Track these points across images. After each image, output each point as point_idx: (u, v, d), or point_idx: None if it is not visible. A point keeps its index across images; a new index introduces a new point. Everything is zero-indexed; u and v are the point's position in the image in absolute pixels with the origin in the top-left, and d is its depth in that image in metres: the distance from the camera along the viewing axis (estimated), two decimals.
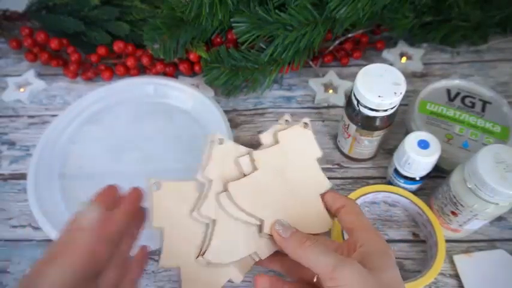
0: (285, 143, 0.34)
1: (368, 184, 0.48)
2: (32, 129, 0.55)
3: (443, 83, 0.49)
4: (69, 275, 0.21)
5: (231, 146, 0.34)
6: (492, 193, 0.34)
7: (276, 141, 0.35)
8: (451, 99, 0.48)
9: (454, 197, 0.38)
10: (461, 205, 0.38)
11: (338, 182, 0.48)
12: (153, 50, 0.52)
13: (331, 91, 0.56)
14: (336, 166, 0.50)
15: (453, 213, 0.40)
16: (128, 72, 0.58)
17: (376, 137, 0.44)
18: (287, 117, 0.36)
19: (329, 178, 0.48)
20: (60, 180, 0.49)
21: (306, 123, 0.36)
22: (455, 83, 0.49)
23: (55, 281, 0.21)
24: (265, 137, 0.35)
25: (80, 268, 0.22)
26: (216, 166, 0.32)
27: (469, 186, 0.36)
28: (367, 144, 0.46)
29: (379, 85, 0.40)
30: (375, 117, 0.42)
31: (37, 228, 0.46)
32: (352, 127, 0.44)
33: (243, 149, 0.34)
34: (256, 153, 0.33)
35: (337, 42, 0.57)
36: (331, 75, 0.57)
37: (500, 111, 0.47)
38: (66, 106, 0.54)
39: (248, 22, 0.48)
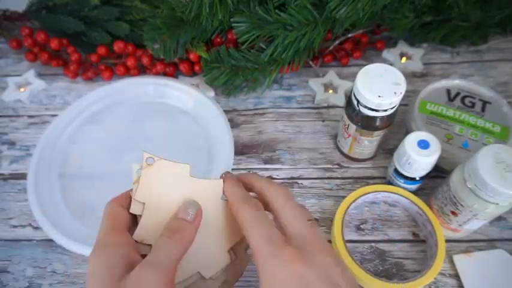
0: (152, 199, 0.29)
1: (368, 184, 0.48)
2: (32, 129, 0.55)
3: (443, 83, 0.49)
4: (179, 255, 0.26)
5: (163, 164, 0.30)
6: (492, 193, 0.34)
7: (143, 203, 0.30)
8: (451, 99, 0.48)
9: (454, 197, 0.38)
10: (461, 205, 0.38)
11: (338, 182, 0.48)
12: (153, 50, 0.52)
13: (331, 91, 0.56)
14: (336, 166, 0.50)
15: (453, 213, 0.40)
16: (128, 72, 0.58)
17: (376, 137, 0.44)
18: (136, 166, 0.30)
19: (329, 178, 0.49)
20: (60, 180, 0.49)
21: (148, 158, 0.30)
22: (455, 83, 0.49)
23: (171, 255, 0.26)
24: (135, 209, 0.29)
25: (183, 253, 0.27)
26: (145, 189, 0.29)
27: (469, 186, 0.36)
28: (367, 144, 0.46)
29: (379, 85, 0.40)
30: (374, 117, 0.42)
31: (37, 228, 0.46)
32: (352, 127, 0.44)
33: (178, 167, 0.30)
34: (137, 235, 0.29)
35: (337, 42, 0.57)
36: (331, 75, 0.57)
37: (500, 111, 0.47)
38: (66, 106, 0.54)
39: (248, 22, 0.48)
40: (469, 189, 0.36)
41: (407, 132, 0.45)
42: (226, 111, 0.52)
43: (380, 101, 0.39)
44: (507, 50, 0.59)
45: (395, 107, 0.41)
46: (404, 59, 0.58)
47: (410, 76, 0.57)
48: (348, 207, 0.44)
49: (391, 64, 0.57)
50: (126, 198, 0.30)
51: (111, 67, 0.58)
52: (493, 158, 0.35)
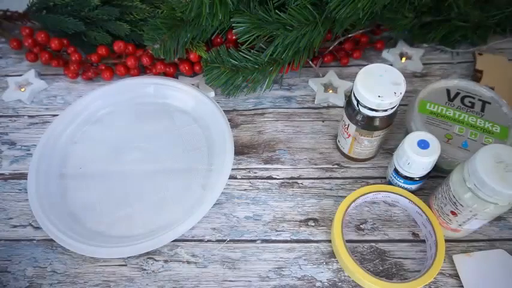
0: None
1: (368, 184, 0.48)
2: (33, 129, 0.55)
3: (443, 83, 0.49)
4: None
5: None
6: (491, 193, 0.34)
7: None
8: (450, 99, 0.48)
9: (454, 197, 0.38)
10: (460, 205, 0.38)
11: (338, 182, 0.49)
12: (154, 50, 0.53)
13: (331, 91, 0.56)
14: (336, 166, 0.50)
15: (453, 213, 0.40)
16: (128, 72, 0.58)
17: (376, 137, 0.44)
18: None
19: (329, 178, 0.49)
20: (60, 180, 0.49)
21: None
22: (454, 83, 0.49)
23: None
24: None
25: None
26: None
27: (469, 186, 0.36)
28: (367, 144, 0.46)
29: (379, 85, 0.40)
30: (374, 117, 0.42)
31: (37, 228, 0.46)
32: (352, 127, 0.44)
33: None
34: None
35: (337, 42, 0.57)
36: (331, 75, 0.57)
37: (499, 111, 0.47)
38: (67, 106, 0.54)
39: (248, 22, 0.48)
40: (469, 189, 0.36)
41: (407, 132, 0.45)
42: (226, 111, 0.52)
43: (380, 101, 0.39)
44: (507, 50, 0.59)
45: (395, 107, 0.41)
46: (404, 59, 0.58)
47: (410, 76, 0.57)
48: (348, 207, 0.44)
49: (391, 64, 0.58)
50: None
51: (112, 67, 0.58)
52: (493, 158, 0.35)
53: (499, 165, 0.34)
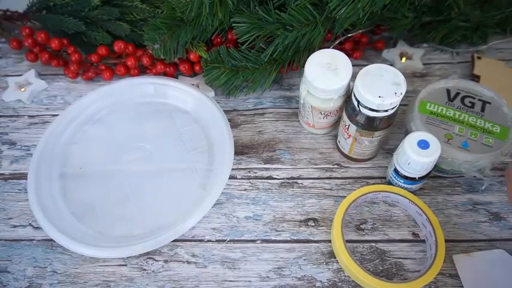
0: None
1: (368, 184, 0.48)
2: (33, 129, 0.55)
3: (443, 83, 0.49)
4: None
5: None
6: (310, 86, 0.44)
7: None
8: (450, 99, 0.48)
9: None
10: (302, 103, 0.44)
11: (338, 182, 0.49)
12: (154, 50, 0.53)
13: None
14: (336, 166, 0.50)
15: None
16: (128, 72, 0.58)
17: (377, 137, 0.44)
18: None
19: (329, 178, 0.49)
20: (61, 180, 0.49)
21: None
22: (455, 83, 0.49)
23: None
24: None
25: None
26: None
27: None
28: (368, 144, 0.46)
29: (380, 85, 0.40)
30: (375, 118, 0.42)
31: (37, 228, 0.46)
32: (353, 127, 0.44)
33: None
34: None
35: (337, 42, 0.57)
36: None
37: (499, 111, 0.47)
38: (67, 106, 0.54)
39: (248, 22, 0.48)
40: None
41: (407, 132, 0.45)
42: (226, 111, 0.52)
43: (380, 102, 0.39)
44: (506, 51, 0.59)
45: (396, 107, 0.41)
46: (404, 59, 0.58)
47: (411, 76, 0.57)
48: (347, 207, 0.44)
49: (391, 64, 0.58)
50: None
51: (112, 67, 0.58)
52: (319, 64, 0.44)
53: (326, 66, 0.44)
